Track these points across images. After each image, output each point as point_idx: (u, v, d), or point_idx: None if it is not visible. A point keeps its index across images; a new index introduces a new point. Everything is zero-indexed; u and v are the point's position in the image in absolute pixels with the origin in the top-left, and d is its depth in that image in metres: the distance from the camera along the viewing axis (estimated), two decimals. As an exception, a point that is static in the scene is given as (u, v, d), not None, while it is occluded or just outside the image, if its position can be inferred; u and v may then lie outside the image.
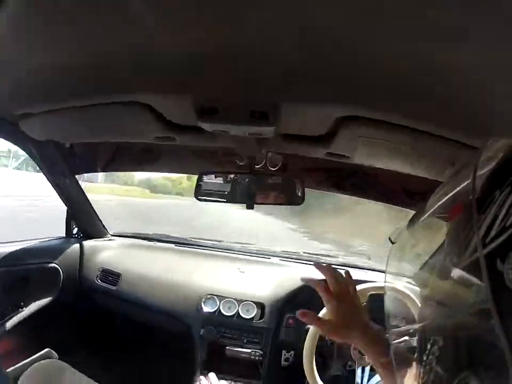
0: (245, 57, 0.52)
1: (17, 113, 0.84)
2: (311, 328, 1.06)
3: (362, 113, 0.64)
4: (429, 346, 0.27)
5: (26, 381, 1.10)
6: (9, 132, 0.99)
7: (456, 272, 0.26)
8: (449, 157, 0.72)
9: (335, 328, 0.64)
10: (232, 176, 0.99)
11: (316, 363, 1.06)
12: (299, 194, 0.99)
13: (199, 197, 1.00)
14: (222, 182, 1.00)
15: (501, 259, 0.21)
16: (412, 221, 0.41)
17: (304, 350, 1.06)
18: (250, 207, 0.99)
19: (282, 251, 1.65)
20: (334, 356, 1.18)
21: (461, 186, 0.30)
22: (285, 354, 1.30)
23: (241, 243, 1.72)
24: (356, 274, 1.42)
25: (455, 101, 0.56)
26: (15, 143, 1.07)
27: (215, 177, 1.00)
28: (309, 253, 1.66)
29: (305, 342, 1.06)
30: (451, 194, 0.32)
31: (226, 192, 0.99)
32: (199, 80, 0.61)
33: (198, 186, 0.99)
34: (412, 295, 0.97)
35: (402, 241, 0.45)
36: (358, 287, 0.99)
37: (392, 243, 0.46)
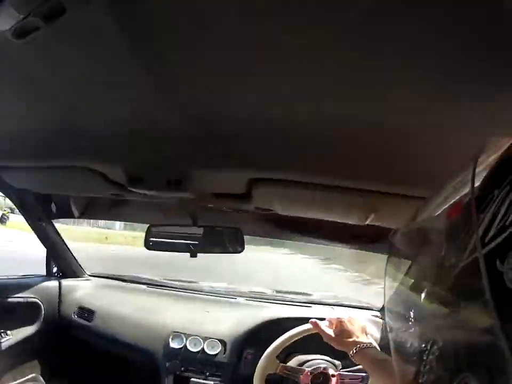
0: (159, 134, 0.66)
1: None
2: (260, 362, 1.13)
3: (270, 175, 0.73)
4: (429, 347, 0.27)
5: None
6: None
7: (455, 273, 0.26)
8: (369, 206, 0.78)
9: (333, 337, 0.86)
10: (178, 228, 1.10)
11: None
12: (239, 243, 1.10)
13: (148, 247, 1.11)
14: (169, 233, 1.11)
15: (500, 259, 0.21)
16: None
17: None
18: (193, 255, 1.09)
19: (249, 291, 1.74)
20: None
21: (460, 185, 0.30)
22: None
23: (211, 285, 1.82)
24: (322, 311, 1.49)
25: (364, 154, 0.63)
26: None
27: (163, 229, 1.12)
28: (276, 292, 1.74)
29: (254, 375, 1.12)
30: (452, 194, 0.32)
31: (172, 243, 1.11)
32: (128, 153, 0.75)
33: (148, 236, 1.11)
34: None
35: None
36: None
37: (391, 245, 0.47)
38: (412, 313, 0.33)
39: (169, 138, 0.66)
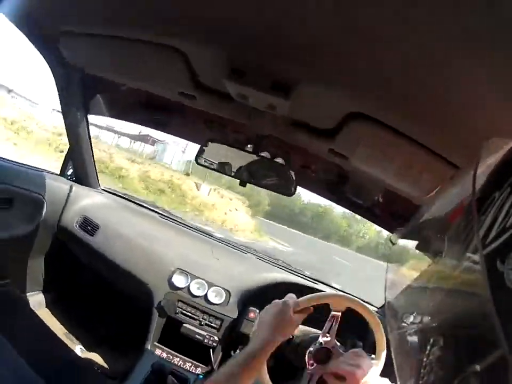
0: (280, 29, 0.58)
1: (61, 29, 0.88)
2: None
3: (371, 112, 0.69)
4: (429, 347, 0.27)
5: None
6: (47, 47, 1.02)
7: (457, 273, 0.26)
8: (440, 175, 0.75)
9: None
10: (235, 151, 1.03)
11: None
12: (292, 187, 1.03)
13: (198, 162, 1.04)
14: (224, 154, 1.04)
15: (501, 259, 0.21)
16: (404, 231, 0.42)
17: None
18: (243, 184, 1.03)
19: (262, 251, 1.67)
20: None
21: (462, 187, 0.30)
22: (239, 349, 1.25)
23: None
24: (327, 290, 1.44)
25: (460, 126, 0.61)
26: (48, 61, 1.11)
27: (219, 148, 1.05)
28: (286, 263, 1.66)
29: None
30: (453, 195, 0.33)
31: (226, 165, 1.04)
32: (237, 41, 0.66)
33: (201, 151, 1.03)
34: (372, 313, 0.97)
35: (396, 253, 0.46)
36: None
37: (393, 244, 0.46)
38: (412, 314, 0.33)
39: (294, 37, 0.59)
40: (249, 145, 1.04)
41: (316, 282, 1.52)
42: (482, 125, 0.58)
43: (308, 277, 1.52)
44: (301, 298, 0.83)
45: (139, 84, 1.06)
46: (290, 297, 0.81)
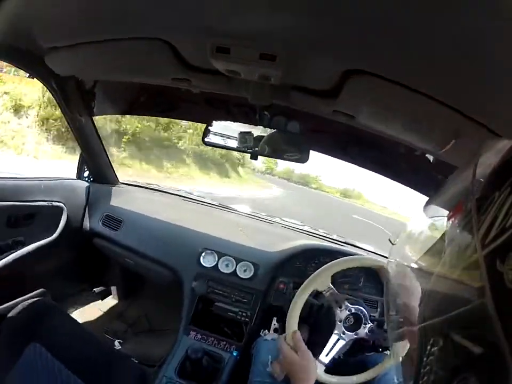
0: (257, 4, 0.54)
1: (44, 47, 0.88)
2: (313, 276, 1.00)
3: (368, 67, 0.64)
4: (429, 347, 0.27)
5: (11, 319, 1.04)
6: (34, 66, 1.03)
7: (456, 273, 0.26)
8: (452, 127, 0.70)
9: None
10: (242, 126, 1.00)
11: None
12: (304, 154, 1.00)
13: (205, 142, 1.02)
14: (230, 130, 1.01)
15: (501, 260, 0.21)
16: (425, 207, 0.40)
17: (292, 302, 0.98)
18: (254, 157, 1.00)
19: (285, 220, 1.66)
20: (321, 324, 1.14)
21: (461, 186, 0.30)
22: (274, 324, 1.25)
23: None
24: (356, 251, 1.41)
25: (466, 71, 0.55)
26: (38, 78, 1.11)
27: (225, 126, 1.02)
28: (312, 228, 1.67)
29: (301, 287, 1.00)
30: (453, 194, 0.32)
31: (233, 141, 1.01)
32: (216, 21, 0.63)
33: (207, 131, 1.01)
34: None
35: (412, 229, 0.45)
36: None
37: (393, 244, 0.47)
38: (412, 314, 0.33)
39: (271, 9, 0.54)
40: (255, 118, 1.00)
41: (344, 244, 1.50)
42: (489, 74, 0.52)
43: (336, 240, 1.50)
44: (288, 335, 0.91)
45: (132, 78, 1.04)
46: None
